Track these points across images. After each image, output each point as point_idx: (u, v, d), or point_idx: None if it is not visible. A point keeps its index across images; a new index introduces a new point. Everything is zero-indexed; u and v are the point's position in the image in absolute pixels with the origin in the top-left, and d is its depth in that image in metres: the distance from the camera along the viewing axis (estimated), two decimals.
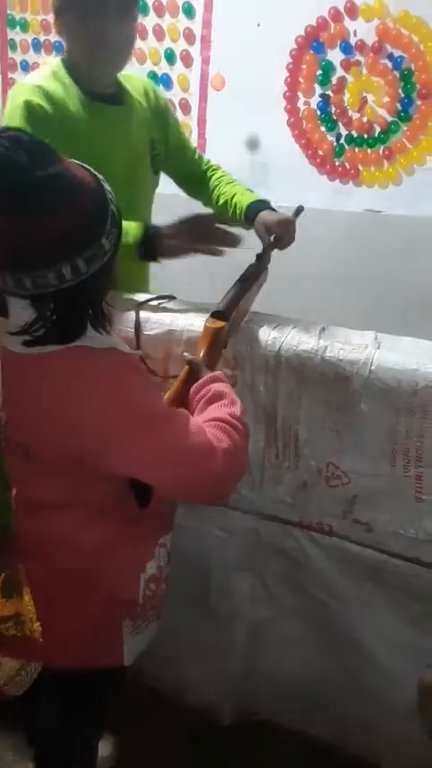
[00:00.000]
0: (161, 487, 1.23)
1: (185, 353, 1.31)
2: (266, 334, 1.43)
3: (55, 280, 1.03)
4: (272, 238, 1.58)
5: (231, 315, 1.36)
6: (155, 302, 1.55)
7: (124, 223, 1.41)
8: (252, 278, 1.47)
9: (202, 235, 1.53)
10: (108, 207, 1.08)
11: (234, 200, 1.76)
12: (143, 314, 1.49)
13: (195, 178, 1.89)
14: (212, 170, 1.90)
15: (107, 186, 1.10)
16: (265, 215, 1.64)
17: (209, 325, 1.34)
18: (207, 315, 1.38)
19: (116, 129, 1.68)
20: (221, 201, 1.79)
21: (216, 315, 1.35)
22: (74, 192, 1.03)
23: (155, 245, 1.53)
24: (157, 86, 1.96)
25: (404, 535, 1.41)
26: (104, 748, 1.68)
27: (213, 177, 1.87)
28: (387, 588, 1.47)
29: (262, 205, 1.69)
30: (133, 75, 1.80)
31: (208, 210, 1.83)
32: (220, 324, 1.34)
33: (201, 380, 1.25)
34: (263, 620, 1.62)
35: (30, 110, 1.54)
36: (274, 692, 1.66)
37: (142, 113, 1.75)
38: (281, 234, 1.59)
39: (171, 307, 1.54)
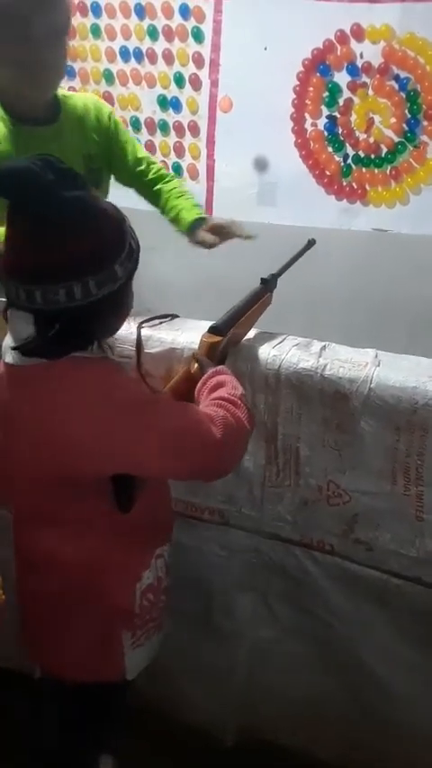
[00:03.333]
0: (168, 472, 1.25)
1: (195, 352, 1.34)
2: (266, 353, 1.43)
3: (64, 297, 1.05)
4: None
5: (228, 331, 1.37)
6: (157, 321, 1.56)
7: None
8: (254, 299, 1.48)
9: None
10: (126, 238, 1.11)
11: (179, 216, 1.90)
12: (144, 332, 1.51)
13: (145, 187, 1.98)
14: (165, 181, 1.98)
15: (128, 222, 1.14)
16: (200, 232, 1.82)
17: (204, 339, 1.36)
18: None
19: (42, 150, 1.69)
20: (172, 215, 1.92)
21: (213, 330, 1.37)
22: (94, 217, 1.07)
23: None
24: (107, 105, 2.00)
25: (405, 555, 1.40)
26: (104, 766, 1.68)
27: (165, 189, 1.96)
28: (389, 608, 1.46)
29: (198, 224, 1.85)
30: (75, 94, 1.89)
31: None
32: (215, 339, 1.35)
33: (205, 375, 1.28)
34: (265, 639, 1.61)
35: None
36: (276, 711, 1.65)
37: (77, 131, 1.81)
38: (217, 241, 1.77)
39: (173, 325, 1.55)
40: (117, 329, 1.21)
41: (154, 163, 2.01)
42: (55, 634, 1.27)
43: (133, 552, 1.26)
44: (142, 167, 1.98)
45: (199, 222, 1.88)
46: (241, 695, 1.67)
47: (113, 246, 1.09)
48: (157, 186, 1.97)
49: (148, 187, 1.98)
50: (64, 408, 1.10)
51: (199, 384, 1.28)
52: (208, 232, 1.85)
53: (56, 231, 1.04)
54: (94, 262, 1.06)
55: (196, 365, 1.32)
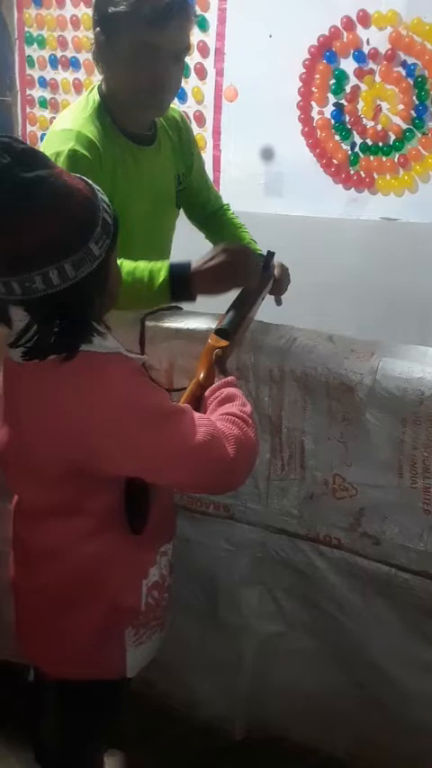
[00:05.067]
0: (176, 483, 1.24)
1: (212, 350, 1.30)
2: (271, 344, 1.41)
3: (42, 284, 1.02)
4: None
5: (235, 333, 1.34)
6: (160, 313, 1.54)
7: (145, 267, 1.43)
8: (256, 290, 1.45)
9: (237, 270, 1.44)
10: (97, 213, 1.07)
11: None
12: (148, 324, 1.49)
13: (207, 216, 1.89)
14: (224, 210, 1.90)
15: (102, 196, 1.10)
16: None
17: (212, 343, 1.32)
18: (212, 325, 1.37)
19: (147, 171, 1.65)
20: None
21: (219, 333, 1.33)
22: (60, 196, 1.03)
23: (187, 284, 1.42)
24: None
25: (413, 548, 1.38)
26: (113, 763, 1.68)
27: (224, 218, 1.88)
28: (397, 603, 1.44)
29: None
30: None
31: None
32: (223, 343, 1.32)
33: (215, 384, 1.26)
34: (272, 634, 1.59)
35: (75, 159, 1.46)
36: (285, 707, 1.63)
37: (171, 149, 1.73)
38: (279, 275, 1.61)
39: (176, 318, 1.53)
40: (108, 308, 1.17)
41: (219, 195, 1.94)
42: (55, 628, 1.26)
43: (141, 549, 1.24)
44: (211, 195, 1.91)
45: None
46: (249, 690, 1.65)
47: (84, 224, 1.05)
48: (219, 214, 1.89)
49: (209, 215, 1.89)
50: (86, 410, 1.08)
51: (207, 392, 1.26)
52: None
53: (21, 216, 1.00)
54: (67, 243, 1.02)
55: (202, 374, 1.29)
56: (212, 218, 1.89)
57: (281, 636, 1.59)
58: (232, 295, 1.44)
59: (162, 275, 1.42)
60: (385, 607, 1.46)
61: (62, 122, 1.58)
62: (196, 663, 1.67)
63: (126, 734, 1.58)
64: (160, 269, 1.43)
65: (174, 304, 1.51)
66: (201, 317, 1.51)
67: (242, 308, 1.39)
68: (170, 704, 1.71)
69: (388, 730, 1.51)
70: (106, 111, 1.58)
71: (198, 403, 1.25)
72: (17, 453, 1.18)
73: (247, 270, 1.46)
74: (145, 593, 1.26)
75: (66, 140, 1.49)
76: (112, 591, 1.22)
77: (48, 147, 1.49)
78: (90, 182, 1.10)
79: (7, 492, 1.28)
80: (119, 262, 1.43)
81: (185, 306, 1.56)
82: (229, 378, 1.29)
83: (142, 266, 1.44)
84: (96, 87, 1.62)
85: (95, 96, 1.60)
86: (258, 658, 1.62)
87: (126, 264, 1.43)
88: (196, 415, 1.16)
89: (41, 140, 3.10)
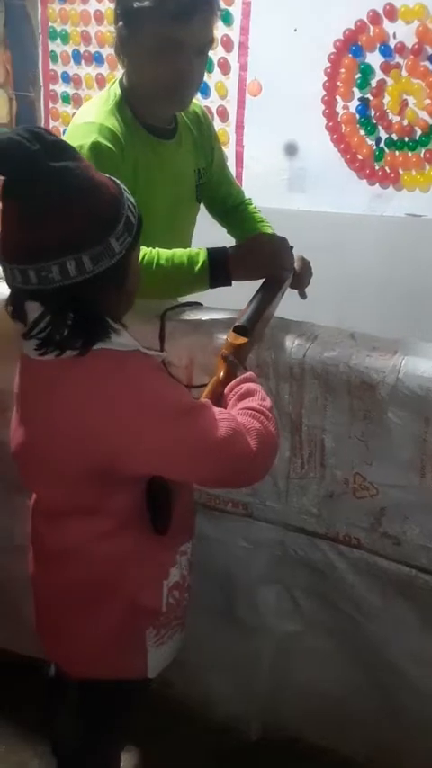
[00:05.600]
0: (198, 479, 1.23)
1: (225, 351, 1.29)
2: (291, 341, 1.39)
3: (59, 275, 1.01)
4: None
5: (254, 329, 1.32)
6: (179, 309, 1.53)
7: (183, 253, 1.44)
8: (275, 286, 1.44)
9: (274, 256, 1.48)
10: (122, 210, 1.06)
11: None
12: (168, 320, 1.48)
13: (228, 210, 1.88)
14: (245, 204, 1.89)
15: (128, 195, 1.09)
16: None
17: (230, 340, 1.31)
18: (232, 322, 1.35)
19: (168, 167, 1.64)
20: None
21: (238, 330, 1.32)
22: (86, 189, 1.03)
23: (225, 268, 1.44)
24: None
25: None
26: (128, 760, 1.67)
27: (246, 212, 1.86)
28: (418, 604, 1.42)
29: None
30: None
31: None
32: (242, 340, 1.30)
33: (235, 380, 1.25)
34: (290, 633, 1.58)
35: (98, 152, 1.45)
36: (302, 707, 1.62)
37: (191, 143, 1.72)
38: (300, 268, 1.60)
39: (196, 314, 1.52)
40: (125, 309, 1.16)
41: (241, 190, 1.93)
42: (75, 629, 1.25)
43: (162, 549, 1.24)
44: (233, 190, 1.89)
45: None
46: (266, 690, 1.64)
47: (108, 219, 1.04)
48: (240, 209, 1.88)
49: (230, 210, 1.88)
50: (106, 408, 1.07)
51: (227, 388, 1.25)
52: None
53: (45, 204, 1.00)
54: (87, 236, 1.02)
55: (223, 371, 1.28)
56: (234, 212, 1.88)
57: (298, 635, 1.57)
58: (249, 290, 1.43)
59: (201, 259, 1.44)
60: (405, 608, 1.44)
61: (84, 115, 1.57)
62: (213, 661, 1.66)
63: (141, 731, 1.57)
64: (198, 253, 1.45)
65: (210, 288, 1.50)
66: (220, 312, 1.50)
67: (261, 304, 1.38)
68: (186, 703, 1.70)
69: (406, 733, 1.50)
70: (127, 104, 1.57)
71: (218, 400, 1.24)
72: (34, 453, 1.17)
73: (282, 257, 1.50)
74: (166, 594, 1.25)
75: (88, 133, 1.48)
76: (133, 591, 1.21)
77: (70, 140, 1.46)
78: (118, 181, 1.10)
79: (25, 487, 1.28)
80: (155, 251, 1.43)
81: (206, 302, 1.55)
82: (249, 373, 1.28)
83: (180, 252, 1.45)
84: (118, 81, 1.61)
85: (117, 90, 1.59)
86: (275, 658, 1.61)
87: (163, 252, 1.44)
88: (217, 410, 1.15)
89: (64, 136, 3.11)
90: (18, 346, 1.14)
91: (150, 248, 1.44)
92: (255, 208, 1.90)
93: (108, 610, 1.22)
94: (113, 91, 1.59)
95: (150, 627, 1.25)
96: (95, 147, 1.46)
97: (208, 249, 1.45)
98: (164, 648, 1.28)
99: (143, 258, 1.40)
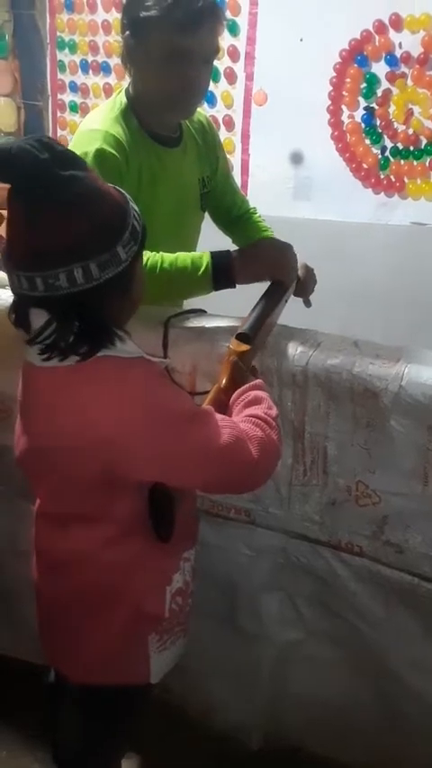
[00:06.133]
0: (200, 485, 1.24)
1: (233, 356, 1.30)
2: (294, 348, 1.40)
3: (66, 282, 1.02)
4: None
5: (256, 337, 1.33)
6: (183, 316, 1.53)
7: (186, 256, 1.45)
8: (278, 294, 1.44)
9: (275, 259, 1.50)
10: (128, 219, 1.07)
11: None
12: (171, 327, 1.48)
13: (232, 219, 1.88)
14: (249, 213, 1.89)
15: (133, 205, 1.10)
16: None
17: (233, 347, 1.31)
18: (235, 329, 1.35)
19: (172, 176, 1.65)
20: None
21: (240, 337, 1.32)
22: (93, 197, 1.04)
23: (229, 270, 1.45)
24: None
25: None
26: (129, 766, 1.67)
27: (250, 221, 1.87)
28: (420, 613, 1.42)
29: None
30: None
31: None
32: (244, 347, 1.31)
33: (244, 387, 1.26)
34: (292, 641, 1.58)
35: (103, 159, 1.46)
36: (303, 716, 1.61)
37: (196, 152, 1.73)
38: (303, 276, 1.61)
39: (200, 321, 1.53)
40: (128, 317, 1.17)
41: (245, 199, 1.94)
42: (78, 634, 1.25)
43: (165, 555, 1.24)
44: (237, 198, 1.90)
45: None
46: (267, 698, 1.64)
47: (115, 227, 1.05)
48: (245, 218, 1.88)
49: (234, 219, 1.88)
50: (110, 414, 1.07)
51: (235, 394, 1.25)
52: None
53: (52, 212, 1.00)
54: (95, 243, 1.03)
55: (225, 379, 1.28)
56: (238, 221, 1.88)
57: (300, 643, 1.57)
58: (253, 297, 1.43)
59: (204, 262, 1.45)
60: (408, 617, 1.43)
61: (89, 123, 1.58)
62: (214, 669, 1.65)
63: (141, 737, 1.57)
64: (201, 256, 1.46)
65: (214, 291, 1.50)
66: (224, 320, 1.50)
67: (264, 312, 1.38)
68: (186, 709, 1.69)
69: (407, 742, 1.49)
70: (133, 113, 1.58)
71: (220, 407, 1.24)
72: (38, 460, 1.17)
73: (286, 259, 1.51)
74: (169, 600, 1.25)
75: (93, 140, 1.49)
76: (136, 597, 1.22)
77: (76, 147, 1.49)
78: (122, 190, 1.11)
79: (30, 492, 1.28)
80: (158, 255, 1.44)
81: (210, 309, 1.56)
82: (257, 381, 1.29)
83: (183, 256, 1.46)
84: (124, 90, 1.62)
85: (123, 98, 1.60)
86: (277, 666, 1.61)
87: (167, 256, 1.45)
88: (220, 417, 1.16)
89: (70, 143, 3.13)
90: (21, 352, 1.15)
91: (154, 252, 1.44)
92: (259, 216, 1.90)
93: (111, 616, 1.22)
94: (119, 99, 1.60)
95: (153, 633, 1.25)
96: (100, 154, 1.47)
97: (211, 252, 1.46)
98: (166, 654, 1.28)
99: (147, 262, 1.41)
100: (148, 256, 1.43)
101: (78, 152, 1.43)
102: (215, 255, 1.46)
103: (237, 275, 1.45)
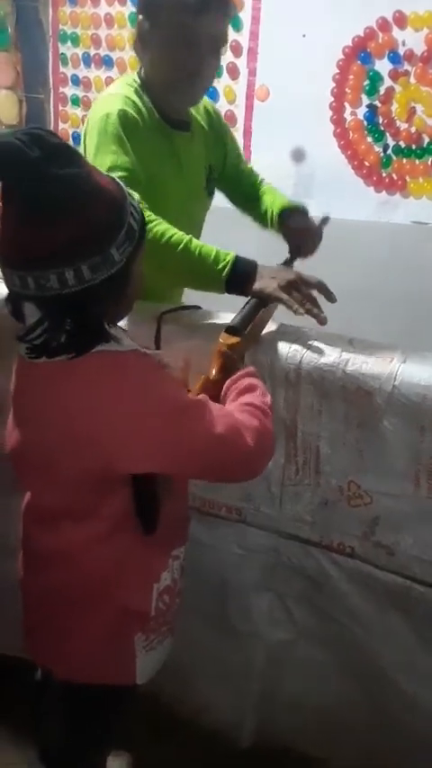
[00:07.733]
0: (196, 474, 1.24)
1: (223, 347, 1.30)
2: (287, 346, 1.38)
3: (57, 283, 1.00)
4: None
5: (246, 330, 1.32)
6: (176, 312, 1.52)
7: (213, 248, 1.43)
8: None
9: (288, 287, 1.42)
10: (124, 218, 1.05)
11: (269, 207, 1.77)
12: (164, 323, 1.47)
13: (249, 196, 1.88)
14: (260, 184, 1.89)
15: (132, 201, 1.08)
16: (291, 221, 1.67)
17: (222, 341, 1.31)
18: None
19: (180, 157, 1.66)
20: (267, 215, 1.79)
21: (230, 330, 1.32)
22: (87, 198, 1.01)
23: (248, 280, 1.42)
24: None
25: (427, 560, 1.34)
26: (116, 765, 1.66)
27: (260, 191, 1.87)
28: (412, 615, 1.40)
29: (292, 211, 1.71)
30: None
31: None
32: (233, 340, 1.30)
33: (236, 375, 1.25)
34: (282, 642, 1.56)
35: (125, 118, 1.50)
36: (294, 716, 1.60)
37: (203, 138, 1.74)
38: (300, 243, 1.61)
39: (194, 317, 1.52)
40: (122, 317, 1.16)
41: (256, 174, 1.93)
42: (64, 631, 1.24)
43: (154, 552, 1.23)
44: (252, 178, 1.90)
45: (291, 210, 1.74)
46: (257, 698, 1.63)
47: (109, 229, 1.03)
48: (258, 191, 1.88)
49: (251, 196, 1.87)
50: (106, 406, 1.06)
51: (228, 382, 1.25)
52: None
53: (44, 213, 0.98)
54: (87, 245, 1.00)
55: (215, 369, 1.28)
56: (254, 198, 1.87)
57: (291, 644, 1.56)
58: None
59: (229, 259, 1.42)
60: (399, 619, 1.42)
61: (109, 91, 1.63)
62: (204, 668, 1.64)
63: (131, 736, 1.56)
64: (228, 254, 1.43)
65: (224, 293, 1.48)
66: (217, 316, 1.49)
67: (255, 307, 1.37)
68: (177, 709, 1.68)
69: (398, 744, 1.48)
70: (145, 93, 1.61)
71: (211, 397, 1.23)
72: (30, 455, 1.16)
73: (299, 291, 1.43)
74: (155, 598, 1.24)
75: (116, 102, 1.53)
76: (123, 595, 1.20)
77: (97, 111, 1.54)
78: (122, 184, 1.08)
79: (17, 488, 1.27)
80: (188, 236, 1.43)
81: (205, 305, 1.55)
82: (250, 368, 1.29)
83: (209, 247, 1.44)
84: (136, 73, 1.65)
85: (136, 78, 1.63)
86: (267, 666, 1.60)
87: (195, 240, 1.44)
88: (215, 406, 1.15)
89: (73, 138, 3.12)
90: (15, 345, 1.14)
91: (183, 233, 1.43)
92: (267, 186, 1.89)
93: (98, 613, 1.20)
94: (133, 78, 1.64)
95: (140, 632, 1.23)
96: (123, 114, 1.51)
97: (237, 255, 1.43)
98: (153, 654, 1.27)
99: (173, 236, 1.41)
100: (174, 232, 1.42)
101: (101, 113, 1.51)
102: (241, 259, 1.43)
103: (251, 288, 1.42)
